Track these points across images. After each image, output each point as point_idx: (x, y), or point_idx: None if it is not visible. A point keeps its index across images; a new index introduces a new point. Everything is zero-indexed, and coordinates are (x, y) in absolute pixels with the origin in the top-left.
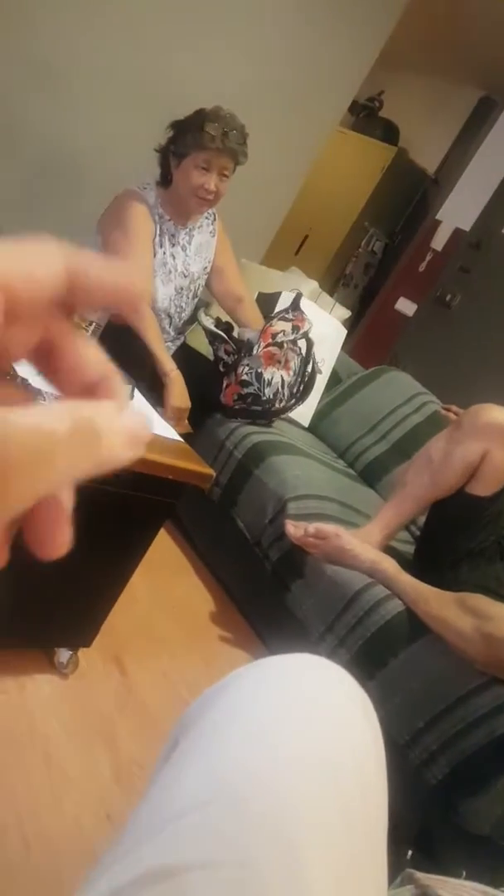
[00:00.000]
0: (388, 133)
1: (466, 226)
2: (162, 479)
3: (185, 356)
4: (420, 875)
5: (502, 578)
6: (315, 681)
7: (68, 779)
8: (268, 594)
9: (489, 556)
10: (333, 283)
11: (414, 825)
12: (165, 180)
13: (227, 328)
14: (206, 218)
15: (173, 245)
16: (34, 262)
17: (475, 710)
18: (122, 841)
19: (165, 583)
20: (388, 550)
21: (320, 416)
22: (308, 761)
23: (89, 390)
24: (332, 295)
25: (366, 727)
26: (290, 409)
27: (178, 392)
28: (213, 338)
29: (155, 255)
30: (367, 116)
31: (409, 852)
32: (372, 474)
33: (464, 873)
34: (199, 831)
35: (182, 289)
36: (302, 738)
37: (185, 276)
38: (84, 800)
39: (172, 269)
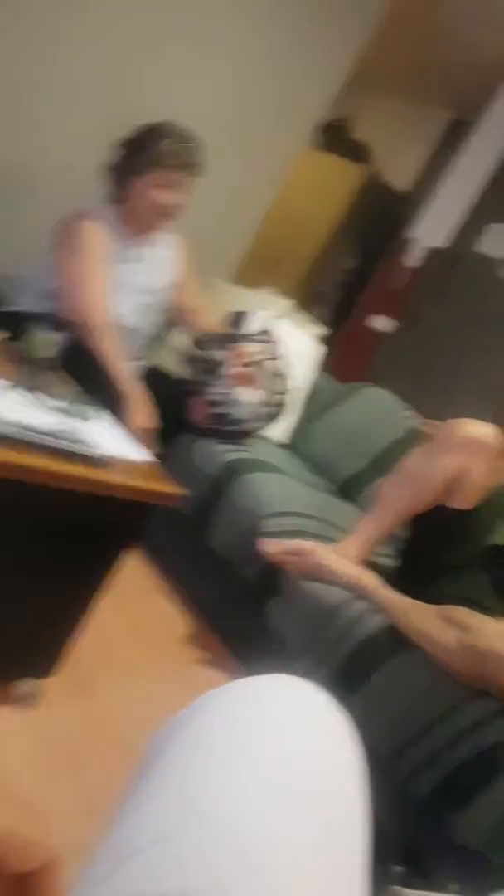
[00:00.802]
0: (360, 153)
1: (439, 243)
2: (122, 500)
3: (154, 376)
4: (407, 892)
5: (484, 590)
6: (289, 701)
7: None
8: (245, 614)
9: (470, 569)
10: (308, 301)
11: (402, 840)
12: (118, 198)
13: (198, 347)
14: (164, 233)
15: (132, 261)
16: None
17: (460, 722)
18: (89, 874)
19: (138, 606)
20: (371, 565)
21: (298, 432)
22: (280, 784)
23: None
24: (306, 313)
25: (343, 747)
26: (261, 428)
27: (140, 412)
28: (183, 357)
29: (113, 273)
30: (338, 137)
31: (397, 868)
32: (351, 490)
33: (457, 887)
34: (166, 862)
35: (143, 305)
36: (274, 761)
37: (145, 292)
38: (54, 836)
39: (133, 286)
